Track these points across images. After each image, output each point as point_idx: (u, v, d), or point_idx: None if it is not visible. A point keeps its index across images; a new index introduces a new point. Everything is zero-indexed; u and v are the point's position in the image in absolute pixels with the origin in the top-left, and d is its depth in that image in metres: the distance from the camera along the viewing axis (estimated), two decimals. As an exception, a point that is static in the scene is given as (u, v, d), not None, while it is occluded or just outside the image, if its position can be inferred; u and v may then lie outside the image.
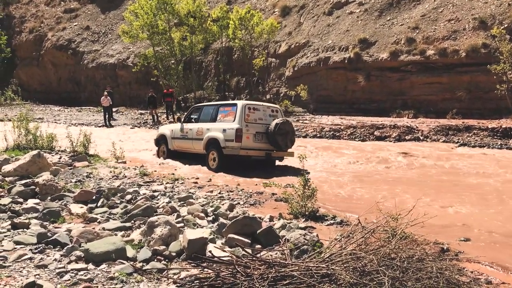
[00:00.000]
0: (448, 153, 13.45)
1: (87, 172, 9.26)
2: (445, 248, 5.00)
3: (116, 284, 3.66)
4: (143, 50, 30.16)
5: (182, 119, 12.99)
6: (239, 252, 4.25)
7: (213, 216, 6.09)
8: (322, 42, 24.80)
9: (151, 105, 24.04)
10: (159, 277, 3.87)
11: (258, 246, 4.70)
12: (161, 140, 13.30)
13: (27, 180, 7.50)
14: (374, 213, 4.86)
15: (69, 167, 9.72)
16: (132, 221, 5.62)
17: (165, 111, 25.32)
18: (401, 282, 3.42)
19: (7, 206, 6.02)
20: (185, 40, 28.72)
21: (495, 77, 17.40)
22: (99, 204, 6.55)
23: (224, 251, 4.39)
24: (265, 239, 4.79)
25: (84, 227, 5.13)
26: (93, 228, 5.05)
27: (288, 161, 12.49)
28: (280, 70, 26.93)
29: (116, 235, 5.01)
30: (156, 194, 7.53)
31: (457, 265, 4.23)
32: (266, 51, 27.23)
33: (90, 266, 3.99)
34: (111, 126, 22.49)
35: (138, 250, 4.53)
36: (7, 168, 8.28)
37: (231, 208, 6.61)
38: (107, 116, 23.11)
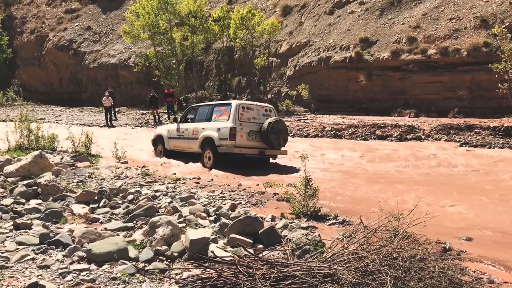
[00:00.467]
0: (450, 152, 13.43)
1: (89, 173, 9.28)
2: (447, 247, 5.00)
3: (119, 284, 3.66)
4: (144, 50, 30.19)
5: (179, 120, 13.35)
6: (241, 252, 4.25)
7: (215, 216, 6.09)
8: (323, 42, 24.78)
9: (152, 105, 24.05)
10: (161, 277, 3.87)
11: (260, 246, 4.70)
12: (158, 141, 13.70)
13: (29, 181, 7.51)
14: (376, 212, 4.85)
15: (71, 168, 9.74)
16: (134, 221, 5.62)
17: (166, 111, 25.33)
18: (403, 281, 3.41)
19: (9, 207, 6.03)
20: (186, 40, 28.74)
21: (496, 76, 17.36)
22: (101, 204, 6.56)
23: (226, 251, 4.39)
24: (267, 239, 4.80)
25: (86, 227, 5.14)
26: (95, 229, 5.05)
27: (287, 161, 12.50)
28: (281, 69, 26.93)
29: (118, 235, 5.02)
30: (158, 194, 7.53)
31: (460, 265, 4.22)
32: (267, 50, 27.23)
33: (93, 266, 3.99)
34: (113, 126, 22.51)
35: (140, 250, 4.53)
36: (9, 168, 8.29)
37: (233, 208, 6.62)
38: (108, 116, 23.13)
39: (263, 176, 10.30)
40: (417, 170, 11.40)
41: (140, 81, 32.55)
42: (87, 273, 3.81)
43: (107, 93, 23.57)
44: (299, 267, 3.56)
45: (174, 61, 29.42)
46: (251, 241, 4.77)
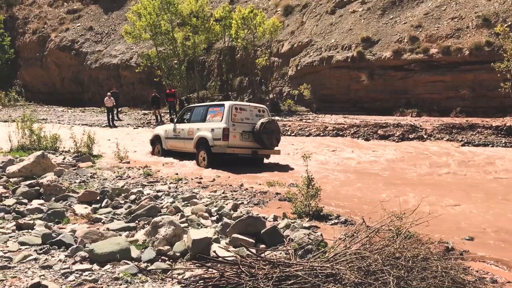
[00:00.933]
0: (452, 151, 13.40)
1: (91, 173, 9.29)
2: (450, 247, 4.98)
3: (121, 284, 3.66)
4: (146, 50, 30.20)
5: (175, 120, 13.65)
6: (244, 252, 4.25)
7: (217, 216, 6.09)
8: (325, 41, 24.76)
9: (154, 105, 24.09)
10: (164, 277, 3.87)
11: (263, 246, 4.69)
12: (156, 141, 14.02)
13: (32, 181, 7.53)
14: (378, 212, 4.85)
15: (73, 168, 9.76)
16: (136, 221, 5.63)
17: (168, 111, 25.34)
18: (406, 281, 3.41)
19: (11, 207, 6.05)
20: (188, 40, 28.74)
21: (499, 75, 17.31)
22: (103, 204, 6.57)
23: (229, 251, 4.39)
24: (269, 239, 4.79)
25: (88, 227, 5.14)
26: (98, 229, 5.05)
27: (288, 160, 12.49)
28: (283, 69, 26.91)
29: (120, 235, 5.02)
30: (160, 194, 7.54)
31: (462, 264, 4.22)
32: (269, 50, 27.21)
33: (95, 266, 3.99)
34: (115, 127, 22.54)
35: (143, 250, 4.53)
36: (12, 169, 8.31)
37: (235, 207, 6.62)
38: (110, 116, 23.16)
39: (269, 172, 10.32)
40: (419, 170, 11.38)
41: (142, 81, 32.57)
42: (89, 273, 3.82)
43: (109, 94, 23.61)
44: (302, 267, 3.55)
45: (176, 61, 29.42)
46: (253, 241, 4.77)
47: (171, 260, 4.34)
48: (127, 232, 5.22)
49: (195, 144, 12.02)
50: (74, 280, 3.67)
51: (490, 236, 5.76)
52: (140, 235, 5.01)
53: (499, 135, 15.18)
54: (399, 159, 12.64)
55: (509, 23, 19.05)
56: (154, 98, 23.91)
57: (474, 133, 15.56)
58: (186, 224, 5.44)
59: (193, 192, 7.83)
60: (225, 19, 26.87)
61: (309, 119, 20.98)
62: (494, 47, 18.90)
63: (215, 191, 8.13)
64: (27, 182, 7.48)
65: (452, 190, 8.82)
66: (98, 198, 6.83)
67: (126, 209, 6.32)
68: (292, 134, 17.91)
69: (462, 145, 14.32)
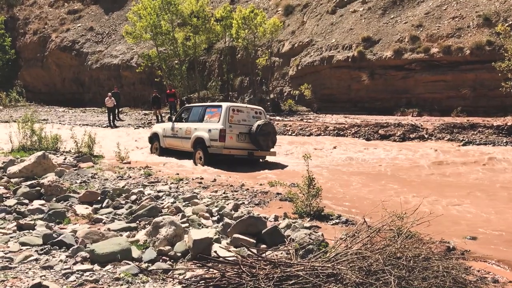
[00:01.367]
0: (453, 151, 13.39)
1: (92, 173, 9.29)
2: (451, 246, 4.98)
3: (122, 284, 3.66)
4: (146, 51, 30.21)
5: (174, 119, 13.83)
6: (244, 252, 4.25)
7: (218, 216, 6.08)
8: (325, 41, 24.75)
9: (155, 105, 24.09)
10: (165, 277, 3.87)
11: (263, 246, 4.69)
12: (154, 138, 14.20)
13: (33, 181, 7.53)
14: (379, 212, 4.84)
15: (74, 168, 9.76)
16: (137, 222, 5.63)
17: (168, 111, 25.34)
18: (407, 281, 3.40)
19: (12, 207, 6.05)
20: (189, 40, 28.75)
21: (500, 74, 17.28)
22: (104, 204, 6.57)
23: (229, 251, 4.38)
24: (270, 239, 4.79)
25: (89, 228, 5.14)
26: (99, 229, 5.06)
27: (288, 160, 12.49)
28: (283, 69, 26.90)
29: (121, 235, 5.02)
30: (161, 194, 7.54)
31: (464, 264, 4.21)
32: (269, 50, 27.21)
33: (96, 267, 3.99)
34: (116, 127, 22.55)
35: (144, 250, 4.53)
36: (13, 169, 8.31)
37: (236, 208, 6.61)
38: (111, 116, 23.17)
39: (270, 172, 10.31)
40: (420, 169, 11.37)
41: (143, 81, 32.59)
42: (90, 274, 3.82)
43: (109, 94, 23.62)
44: (303, 267, 3.55)
45: (176, 61, 29.43)
46: (254, 241, 4.77)
47: (172, 260, 4.34)
48: (128, 233, 5.22)
49: (192, 144, 12.22)
50: (75, 281, 3.67)
51: (492, 235, 5.75)
52: (141, 235, 5.01)
53: (500, 134, 15.16)
54: (400, 159, 12.63)
55: (510, 23, 19.01)
56: (155, 98, 23.92)
57: (475, 133, 15.54)
58: (187, 224, 5.44)
59: (194, 192, 7.83)
60: (226, 19, 26.87)
61: (310, 119, 20.98)
62: (495, 46, 18.87)
63: (216, 191, 8.13)
64: (28, 183, 7.48)
65: (454, 189, 8.81)
66: (99, 198, 6.83)
67: (127, 209, 6.32)
68: (293, 134, 17.91)
69: (463, 145, 14.29)
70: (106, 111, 24.07)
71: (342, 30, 24.72)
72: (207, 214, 6.05)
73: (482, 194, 8.39)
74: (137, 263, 4.12)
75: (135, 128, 22.16)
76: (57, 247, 4.48)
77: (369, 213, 5.08)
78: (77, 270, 3.87)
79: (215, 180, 9.50)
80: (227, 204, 6.79)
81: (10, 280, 3.59)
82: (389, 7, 24.33)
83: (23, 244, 4.55)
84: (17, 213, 5.80)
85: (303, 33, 26.79)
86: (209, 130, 11.69)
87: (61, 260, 4.13)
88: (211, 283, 3.55)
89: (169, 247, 4.51)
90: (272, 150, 12.33)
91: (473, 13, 20.85)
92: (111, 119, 23.15)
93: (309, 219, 6.20)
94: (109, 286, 3.63)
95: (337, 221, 6.21)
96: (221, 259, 3.91)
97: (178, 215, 5.92)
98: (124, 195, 7.22)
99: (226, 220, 5.69)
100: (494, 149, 13.57)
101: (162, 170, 10.72)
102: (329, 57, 23.44)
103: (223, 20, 27.02)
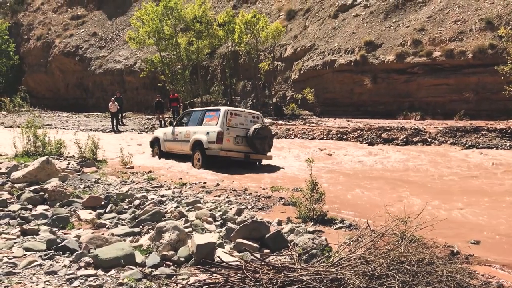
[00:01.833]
0: (456, 154, 13.35)
1: (96, 178, 9.30)
2: (455, 251, 4.95)
3: (125, 290, 3.66)
4: (149, 56, 30.34)
5: (174, 123, 14.13)
6: (248, 257, 4.24)
7: (221, 220, 6.08)
8: (328, 45, 24.79)
9: (158, 110, 24.15)
10: (168, 282, 3.86)
11: (267, 250, 4.68)
12: (155, 142, 14.59)
13: (36, 187, 7.54)
14: (383, 216, 4.83)
15: (78, 173, 9.77)
16: (141, 227, 5.63)
17: (171, 116, 25.38)
18: (411, 286, 3.39)
19: (16, 213, 6.06)
20: (191, 45, 28.86)
21: (502, 77, 17.28)
22: (107, 209, 6.57)
23: (233, 256, 4.38)
24: (273, 244, 4.78)
25: (93, 233, 5.15)
26: (102, 234, 5.06)
27: (291, 164, 12.48)
28: (286, 73, 26.94)
29: (125, 240, 5.02)
30: (164, 199, 7.54)
31: (468, 268, 4.19)
32: (272, 54, 27.28)
33: (100, 272, 4.00)
34: (119, 132, 22.60)
35: (147, 255, 4.53)
36: (16, 174, 8.34)
37: (239, 212, 6.61)
38: (114, 121, 23.23)
39: (272, 176, 10.31)
40: (424, 173, 11.34)
41: (146, 86, 32.71)
42: (94, 279, 3.82)
43: (113, 99, 23.68)
44: (306, 272, 3.54)
45: (179, 66, 29.54)
46: (258, 246, 4.76)
47: (175, 265, 4.33)
48: (131, 237, 5.23)
49: (191, 146, 12.48)
50: (78, 286, 3.67)
51: (496, 240, 5.72)
52: (144, 240, 5.01)
53: (504, 138, 15.12)
54: (403, 163, 12.60)
55: (513, 26, 19.01)
56: (158, 103, 23.97)
57: (478, 136, 15.50)
58: (190, 229, 5.44)
59: (197, 197, 7.83)
60: (228, 24, 26.98)
61: (313, 122, 20.98)
62: (498, 49, 18.86)
63: (219, 196, 8.13)
64: (32, 188, 7.50)
65: (457, 193, 8.78)
66: (102, 203, 6.83)
67: (130, 214, 6.32)
68: (296, 138, 17.91)
69: (467, 148, 14.25)
70: (110, 116, 24.14)
71: (344, 34, 24.76)
72: (210, 219, 6.05)
73: (485, 197, 8.35)
74: (140, 268, 4.12)
75: (138, 133, 22.20)
76: (61, 252, 4.49)
77: (373, 217, 5.07)
78: (81, 275, 3.87)
79: (218, 184, 9.50)
80: (230, 209, 6.79)
81: (14, 286, 3.60)
82: (391, 11, 24.38)
83: (27, 249, 4.56)
84: (21, 218, 5.82)
85: (306, 38, 26.85)
86: (207, 133, 11.98)
87: (64, 265, 4.13)
88: (215, 288, 3.55)
89: (173, 252, 4.51)
90: (269, 154, 12.51)
91: (475, 16, 20.85)
92: (115, 124, 23.21)
93: (312, 223, 6.18)
94: (112, 291, 3.63)
95: (340, 225, 6.19)
96: (224, 264, 3.91)
97: (182, 220, 5.91)
98: (127, 200, 7.22)
99: (230, 224, 5.68)
100: (497, 153, 13.53)
101: (166, 175, 10.73)
102: (332, 61, 23.47)
103: (226, 25, 27.13)
